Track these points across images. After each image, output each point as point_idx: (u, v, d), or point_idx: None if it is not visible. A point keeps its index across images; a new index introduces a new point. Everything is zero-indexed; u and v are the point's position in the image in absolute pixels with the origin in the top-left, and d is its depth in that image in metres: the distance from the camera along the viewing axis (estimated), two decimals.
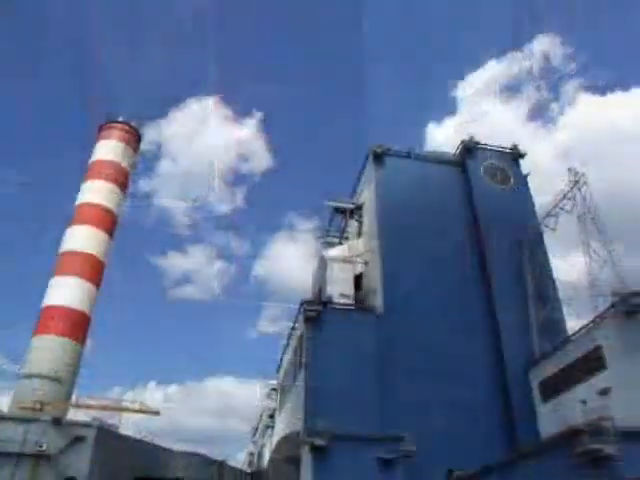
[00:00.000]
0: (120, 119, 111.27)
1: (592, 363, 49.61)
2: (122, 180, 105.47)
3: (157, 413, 79.27)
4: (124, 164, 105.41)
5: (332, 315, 60.14)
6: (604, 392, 46.45)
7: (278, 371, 79.48)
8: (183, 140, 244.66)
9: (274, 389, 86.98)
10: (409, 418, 52.09)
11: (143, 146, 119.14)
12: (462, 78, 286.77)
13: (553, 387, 55.65)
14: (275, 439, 71.99)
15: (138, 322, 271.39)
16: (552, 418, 52.98)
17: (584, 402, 47.58)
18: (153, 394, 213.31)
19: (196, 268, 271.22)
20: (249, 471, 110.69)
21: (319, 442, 47.82)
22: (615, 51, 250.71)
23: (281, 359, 76.62)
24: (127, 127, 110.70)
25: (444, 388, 57.00)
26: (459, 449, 51.12)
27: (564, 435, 33.27)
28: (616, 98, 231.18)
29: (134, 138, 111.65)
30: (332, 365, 56.25)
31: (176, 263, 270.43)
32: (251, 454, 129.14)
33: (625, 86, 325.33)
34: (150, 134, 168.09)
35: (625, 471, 30.42)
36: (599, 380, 47.90)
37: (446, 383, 57.42)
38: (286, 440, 61.87)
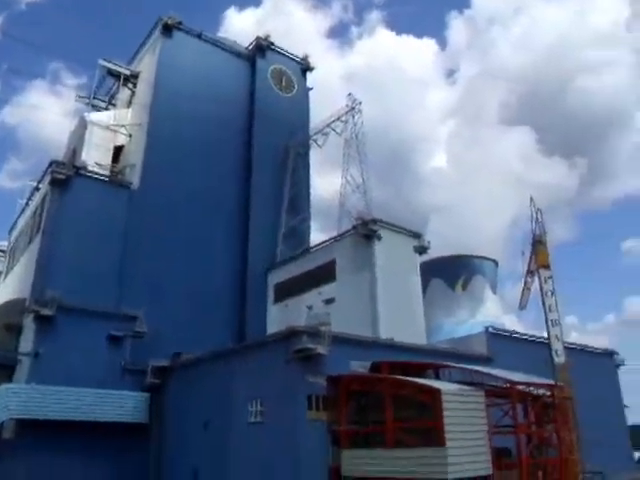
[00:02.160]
0: None
1: (324, 274, 54.85)
2: None
3: None
4: None
5: (83, 183, 55.86)
6: (329, 301, 51.96)
7: (10, 232, 72.13)
8: None
9: (2, 251, 79.02)
10: (145, 298, 51.96)
11: None
12: None
13: (286, 290, 60.42)
14: None
15: None
16: (280, 317, 57.79)
17: (310, 307, 52.69)
18: None
19: None
20: None
21: (46, 312, 44.95)
22: None
23: (16, 220, 69.40)
24: None
25: (186, 274, 58.12)
26: (190, 334, 52.84)
27: (286, 333, 36.53)
28: (409, 41, 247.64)
29: None
30: (73, 234, 52.81)
31: None
32: None
33: (419, 34, 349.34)
34: None
35: (331, 368, 35.08)
36: (327, 290, 53.32)
37: (189, 270, 58.55)
38: (8, 306, 57.17)
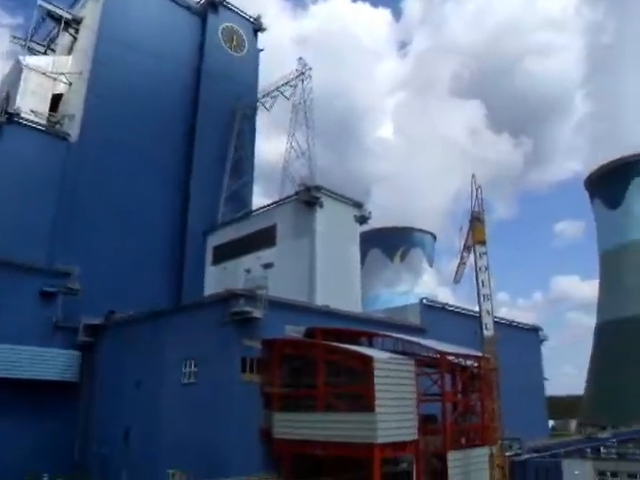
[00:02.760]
0: None
1: (264, 239, 54.66)
2: None
3: None
4: None
5: (16, 130, 53.45)
6: (267, 266, 51.87)
7: None
8: None
9: None
10: (80, 255, 50.57)
11: None
12: None
13: (225, 253, 59.92)
14: None
15: None
16: (218, 280, 57.39)
17: (248, 271, 52.49)
18: None
19: None
20: None
21: None
22: None
23: None
24: None
25: (123, 232, 56.74)
26: (125, 293, 52.00)
27: (223, 295, 36.41)
28: (364, 9, 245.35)
29: None
30: (3, 184, 50.58)
31: None
32: None
33: (375, 2, 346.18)
34: None
35: (267, 332, 35.34)
36: (266, 255, 53.20)
37: (126, 228, 57.18)
38: None
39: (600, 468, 38.52)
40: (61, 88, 63.12)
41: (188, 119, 67.19)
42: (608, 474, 38.21)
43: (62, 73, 62.92)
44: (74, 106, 60.28)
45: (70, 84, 62.78)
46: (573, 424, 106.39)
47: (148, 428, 39.38)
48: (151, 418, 39.38)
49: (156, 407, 39.18)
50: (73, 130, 57.79)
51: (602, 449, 44.62)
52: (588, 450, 44.95)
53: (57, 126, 59.72)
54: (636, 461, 39.05)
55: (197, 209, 63.82)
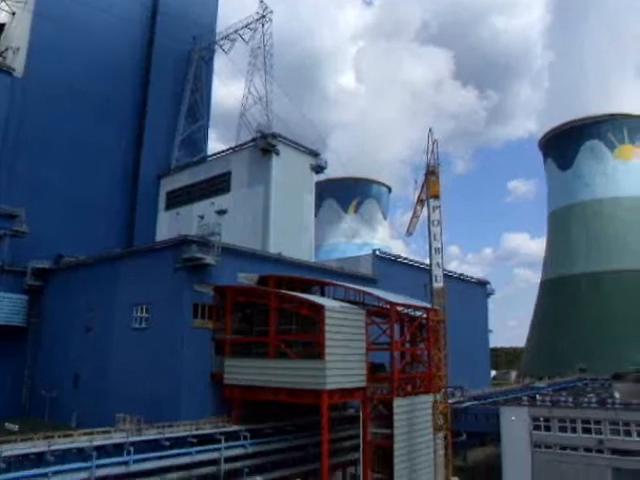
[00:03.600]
0: None
1: (219, 185, 53.93)
2: None
3: None
4: None
5: None
6: (221, 212, 51.41)
7: None
8: None
9: None
10: (26, 196, 48.83)
11: None
12: None
13: (179, 198, 58.91)
14: None
15: None
16: (171, 225, 56.64)
17: (202, 217, 51.94)
18: None
19: None
20: None
21: None
22: None
23: None
24: None
25: (72, 174, 54.74)
26: (75, 237, 50.79)
27: (176, 241, 35.94)
28: None
29: None
30: None
31: None
32: None
33: None
34: None
35: (219, 279, 35.40)
36: (220, 201, 52.60)
37: (75, 170, 55.15)
38: None
39: (535, 414, 40.47)
40: (3, 17, 59.46)
41: (143, 59, 64.63)
42: (541, 419, 40.25)
43: (3, 0, 59.05)
44: (19, 38, 56.83)
45: (13, 14, 59.08)
46: (513, 374, 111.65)
47: (98, 372, 39.24)
48: (101, 362, 39.23)
49: (106, 352, 39.01)
50: (18, 64, 54.64)
51: (538, 397, 46.83)
52: (525, 398, 47.13)
53: (0, 59, 56.38)
54: (567, 408, 41.15)
55: (151, 152, 62.13)
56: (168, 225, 57.24)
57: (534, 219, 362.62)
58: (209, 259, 34.11)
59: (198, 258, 33.83)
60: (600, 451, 37.95)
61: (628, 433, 37.20)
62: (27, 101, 53.10)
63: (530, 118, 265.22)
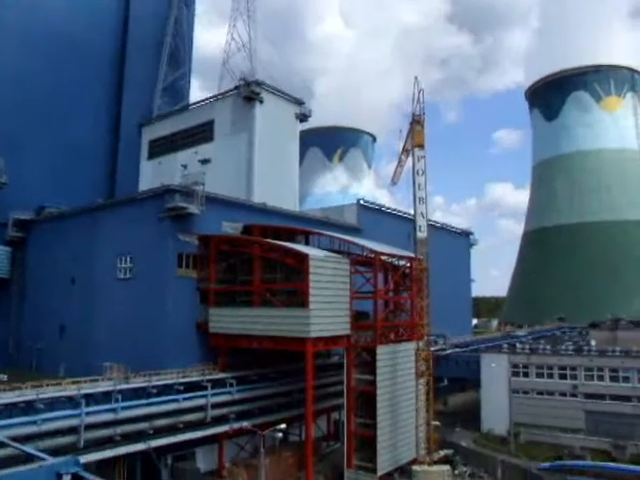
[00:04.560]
0: None
1: (202, 134, 52.98)
2: None
3: None
4: None
5: None
6: (205, 161, 50.74)
7: None
8: None
9: None
10: (4, 147, 47.46)
11: None
12: None
13: (161, 147, 57.85)
14: None
15: None
16: (154, 175, 55.76)
17: (185, 166, 51.25)
18: None
19: None
20: None
21: None
22: None
23: None
24: None
25: (51, 124, 53.39)
26: (56, 188, 49.89)
27: (159, 191, 35.60)
28: None
29: None
30: None
31: None
32: None
33: None
34: None
35: (203, 228, 35.31)
36: (203, 150, 51.82)
37: (54, 120, 53.77)
38: None
39: (514, 361, 41.65)
40: None
41: (122, 3, 62.26)
42: (520, 366, 41.47)
43: None
44: None
45: None
46: (494, 323, 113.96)
47: (84, 323, 39.38)
48: (87, 313, 39.34)
49: (92, 302, 39.10)
50: None
51: (517, 345, 48.03)
52: (505, 346, 48.31)
53: None
54: (545, 355, 42.35)
55: (131, 101, 60.71)
56: (151, 175, 56.40)
57: (519, 170, 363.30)
58: (193, 208, 33.90)
59: (182, 207, 33.61)
60: (574, 395, 39.48)
61: (601, 378, 38.72)
62: (1, 48, 51.20)
63: (519, 68, 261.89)
